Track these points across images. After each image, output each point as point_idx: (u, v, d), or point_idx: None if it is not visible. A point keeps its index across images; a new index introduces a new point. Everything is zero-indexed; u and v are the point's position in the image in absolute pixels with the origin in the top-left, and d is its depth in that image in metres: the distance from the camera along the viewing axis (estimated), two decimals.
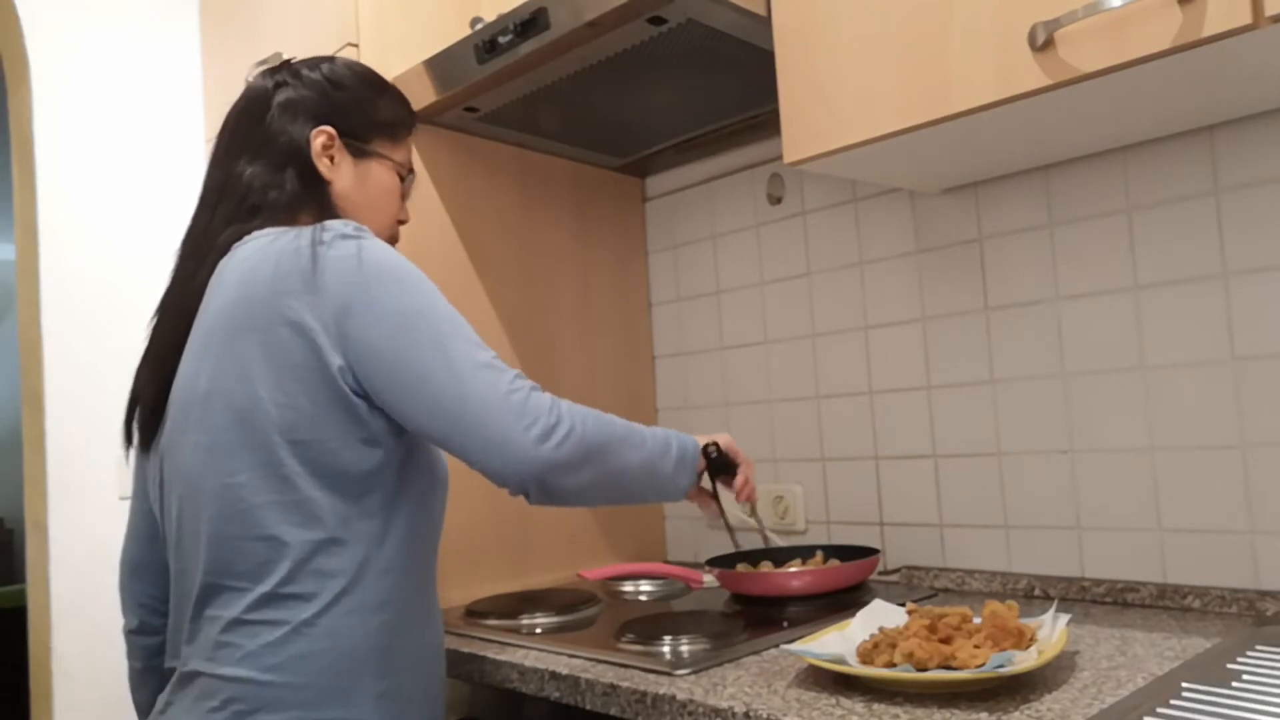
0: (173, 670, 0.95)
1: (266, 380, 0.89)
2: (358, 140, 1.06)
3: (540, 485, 0.90)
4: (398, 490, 0.94)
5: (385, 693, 0.90)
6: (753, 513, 1.28)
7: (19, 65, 1.82)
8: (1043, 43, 0.91)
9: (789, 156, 1.16)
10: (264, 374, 0.89)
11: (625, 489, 1.00)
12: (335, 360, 0.89)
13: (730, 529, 1.27)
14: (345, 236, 0.92)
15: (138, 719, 1.13)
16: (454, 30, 1.56)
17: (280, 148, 1.02)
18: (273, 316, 0.89)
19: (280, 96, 1.04)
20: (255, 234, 0.97)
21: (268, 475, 0.89)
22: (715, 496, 1.18)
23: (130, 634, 1.10)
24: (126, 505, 1.78)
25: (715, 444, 1.14)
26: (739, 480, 1.18)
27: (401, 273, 0.92)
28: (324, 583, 0.88)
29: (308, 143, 1.02)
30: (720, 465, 1.15)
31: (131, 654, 1.10)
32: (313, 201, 1.02)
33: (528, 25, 1.25)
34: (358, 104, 1.06)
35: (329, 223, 0.94)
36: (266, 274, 0.90)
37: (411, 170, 1.12)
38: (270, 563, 0.88)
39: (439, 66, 1.39)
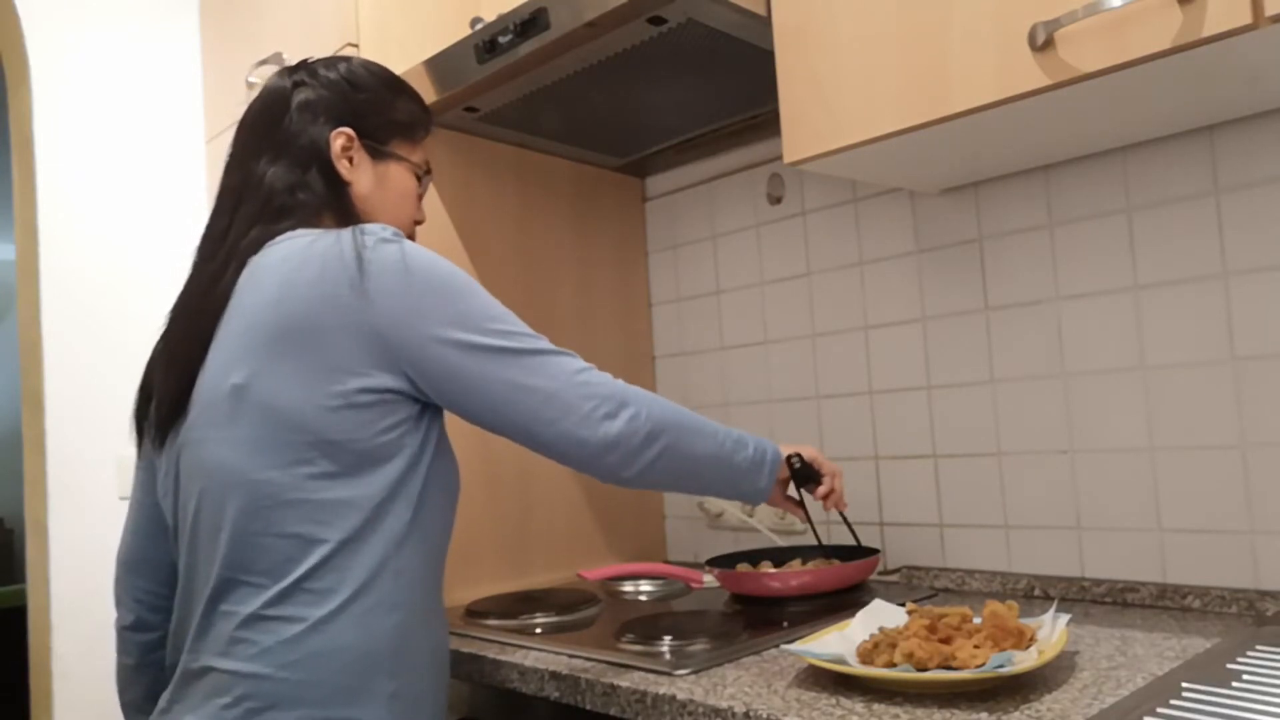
0: (173, 668, 0.95)
1: (304, 380, 0.89)
2: (376, 142, 1.06)
3: (610, 466, 0.93)
4: (421, 494, 0.94)
5: (396, 693, 0.91)
6: (844, 518, 1.32)
7: (19, 65, 1.82)
8: (1043, 43, 0.91)
9: (789, 156, 1.16)
10: (302, 374, 0.89)
11: (696, 476, 1.02)
12: (379, 366, 0.90)
13: (818, 536, 1.32)
14: (386, 241, 0.93)
15: (124, 718, 1.12)
16: (454, 30, 1.57)
17: (301, 149, 1.02)
18: (317, 319, 0.89)
19: (299, 97, 1.04)
20: (288, 235, 0.97)
21: (297, 473, 0.89)
22: (802, 505, 1.22)
23: (124, 630, 1.09)
24: (126, 505, 1.79)
25: (799, 455, 1.17)
26: (823, 489, 1.22)
27: (446, 276, 0.93)
28: (342, 581, 0.89)
29: (328, 144, 1.02)
30: (804, 475, 1.18)
31: (124, 650, 1.09)
32: (335, 203, 1.02)
33: (528, 25, 1.25)
34: (376, 105, 1.07)
35: (366, 226, 0.94)
36: (311, 276, 0.91)
37: (429, 171, 1.13)
38: (292, 560, 0.88)
39: (439, 66, 1.39)
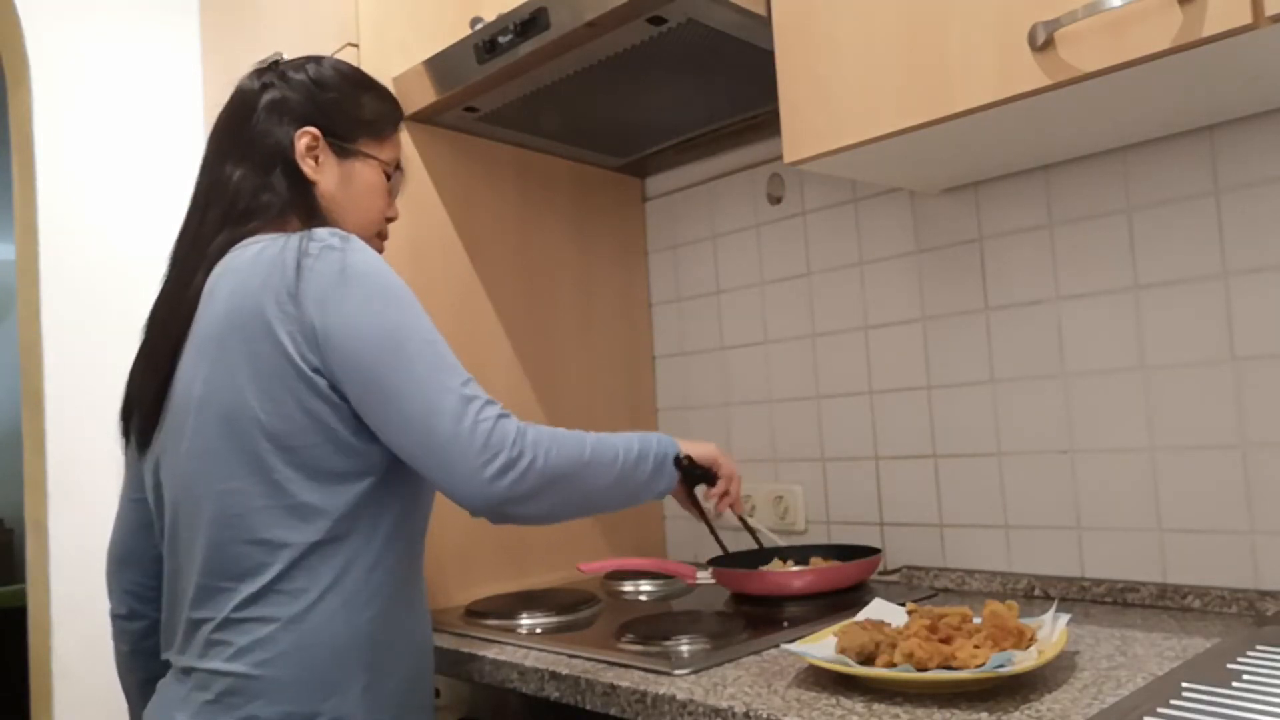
0: (167, 663, 0.98)
1: (254, 389, 0.91)
2: (342, 140, 1.06)
3: (497, 515, 0.92)
4: (386, 491, 0.95)
5: (371, 684, 0.93)
6: (744, 520, 1.30)
7: (19, 65, 1.82)
8: (1043, 43, 0.91)
9: (789, 156, 1.16)
10: (252, 383, 0.91)
11: (594, 507, 1.02)
12: (317, 370, 0.91)
13: (714, 533, 1.29)
14: (330, 248, 0.93)
15: (126, 701, 1.15)
16: (454, 30, 1.56)
17: (266, 150, 1.03)
18: (259, 327, 0.91)
19: (266, 98, 1.05)
20: (248, 241, 0.98)
21: (260, 481, 0.91)
22: (696, 503, 1.20)
23: (117, 619, 1.12)
24: None
25: (688, 456, 1.13)
26: (716, 489, 1.19)
27: (383, 287, 0.93)
28: (313, 580, 0.91)
29: (292, 144, 1.03)
30: (694, 476, 1.15)
31: (119, 638, 1.13)
32: (300, 203, 1.03)
33: (528, 25, 1.25)
34: (341, 104, 1.07)
35: (316, 231, 0.95)
36: (255, 286, 0.92)
37: (399, 168, 1.13)
38: (263, 565, 0.91)
39: (439, 66, 1.39)
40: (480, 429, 0.89)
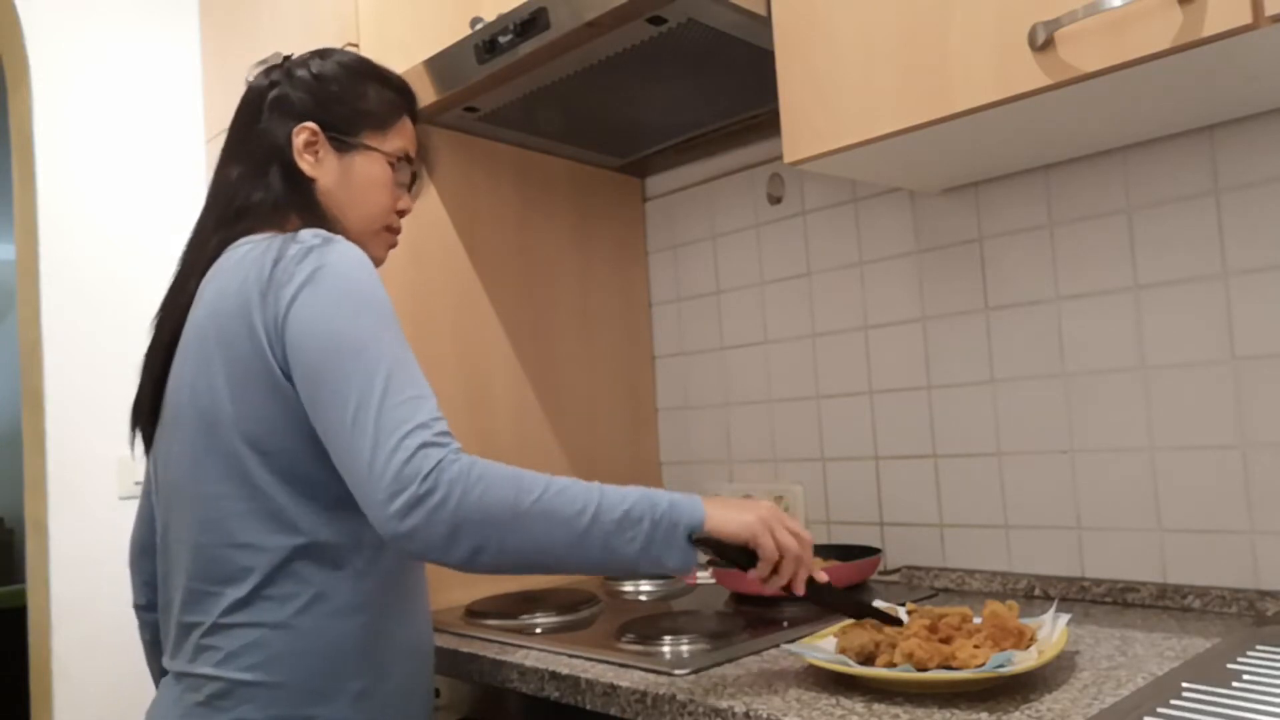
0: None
1: (233, 392, 0.89)
2: (342, 134, 1.03)
3: (404, 554, 0.84)
4: None
5: (364, 691, 0.92)
6: (819, 589, 0.94)
7: (19, 65, 1.82)
8: (1043, 43, 0.91)
9: (789, 156, 1.16)
10: (230, 386, 0.89)
11: (559, 567, 0.85)
12: (284, 367, 0.88)
13: (827, 605, 0.98)
14: (310, 248, 0.90)
15: (156, 688, 1.15)
16: (454, 30, 1.57)
17: (265, 148, 1.01)
18: (236, 329, 0.89)
19: (271, 96, 1.04)
20: (240, 241, 0.97)
21: (240, 484, 0.90)
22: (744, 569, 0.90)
23: (138, 609, 1.13)
24: (126, 505, 1.79)
25: (712, 536, 0.87)
26: (756, 573, 0.90)
27: (354, 292, 0.88)
28: (300, 586, 0.90)
29: (289, 140, 1.01)
30: (726, 560, 0.88)
31: (141, 628, 1.14)
32: (299, 201, 1.01)
33: (528, 25, 1.25)
34: (343, 96, 1.04)
35: (301, 233, 0.92)
36: (234, 288, 0.91)
37: (405, 158, 1.08)
38: (248, 569, 0.89)
39: (439, 66, 1.39)
40: (396, 458, 0.79)
